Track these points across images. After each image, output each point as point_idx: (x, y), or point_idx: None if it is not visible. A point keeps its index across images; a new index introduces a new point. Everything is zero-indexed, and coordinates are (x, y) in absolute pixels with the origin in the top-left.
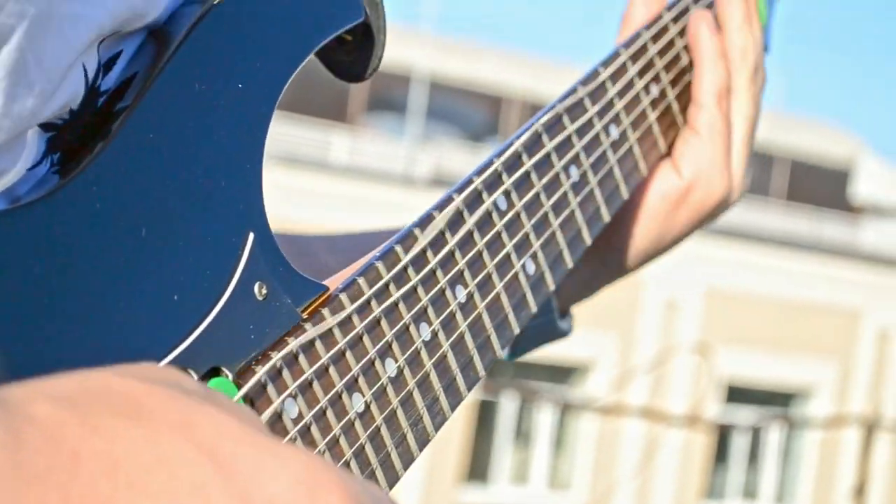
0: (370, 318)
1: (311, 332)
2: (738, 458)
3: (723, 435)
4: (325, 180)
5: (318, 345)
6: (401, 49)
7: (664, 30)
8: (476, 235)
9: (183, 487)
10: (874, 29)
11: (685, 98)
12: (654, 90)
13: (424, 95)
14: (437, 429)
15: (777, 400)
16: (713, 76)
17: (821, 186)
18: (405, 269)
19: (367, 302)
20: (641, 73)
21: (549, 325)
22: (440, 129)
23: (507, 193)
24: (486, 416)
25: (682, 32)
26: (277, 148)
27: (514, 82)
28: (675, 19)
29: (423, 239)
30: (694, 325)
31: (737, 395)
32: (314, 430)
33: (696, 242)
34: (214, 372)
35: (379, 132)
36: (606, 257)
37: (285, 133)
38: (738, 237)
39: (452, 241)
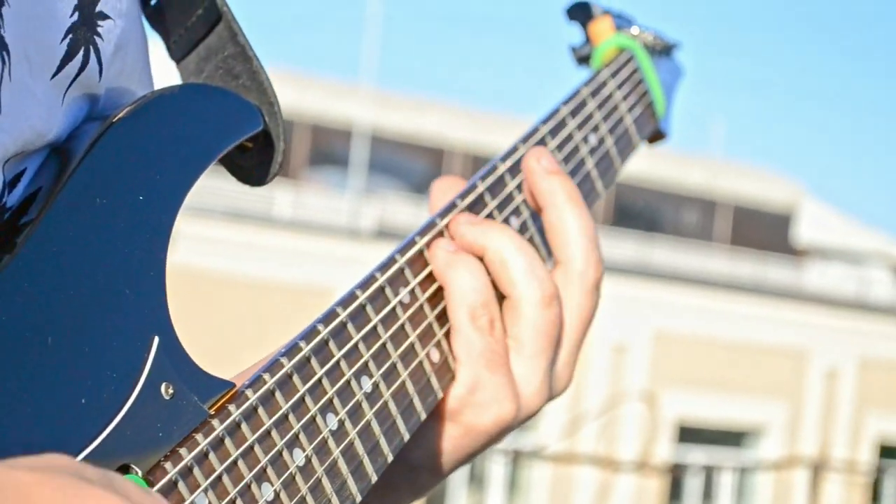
0: (278, 412)
1: (219, 428)
2: (693, 500)
3: (676, 477)
4: (268, 234)
5: (227, 441)
6: (342, 103)
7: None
8: (380, 328)
9: None
10: (812, 75)
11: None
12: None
13: (366, 149)
14: None
15: (729, 440)
16: (458, 292)
17: (764, 230)
18: (308, 360)
19: (273, 395)
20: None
21: None
22: (383, 182)
23: (411, 290)
24: None
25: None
26: (221, 203)
27: (455, 134)
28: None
29: (325, 331)
30: (643, 368)
31: (688, 435)
32: None
33: (643, 287)
34: (125, 469)
35: (322, 186)
36: (398, 473)
37: (228, 188)
38: (683, 281)
39: (356, 335)
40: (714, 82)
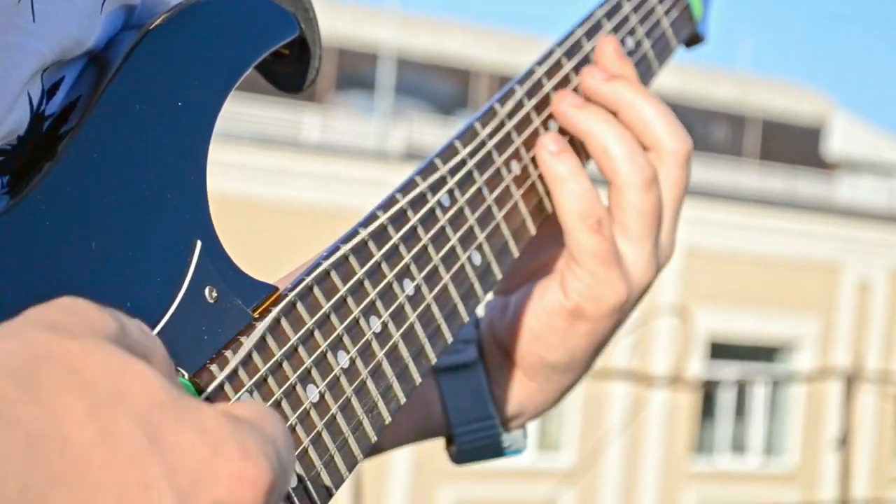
0: (319, 313)
1: (263, 329)
2: (725, 413)
3: (709, 391)
4: (297, 159)
5: (271, 342)
6: (367, 26)
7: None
8: (420, 230)
9: (121, 459)
10: None
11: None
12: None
13: (393, 71)
14: (392, 414)
15: (761, 355)
16: (565, 200)
17: (793, 145)
18: (349, 263)
19: (316, 298)
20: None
21: (491, 437)
22: (410, 104)
23: (450, 192)
24: None
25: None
26: (248, 129)
27: (482, 55)
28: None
29: (366, 234)
30: (674, 284)
31: (721, 351)
32: None
33: None
34: None
35: (349, 110)
36: (530, 373)
37: (255, 114)
38: (714, 196)
39: (396, 236)
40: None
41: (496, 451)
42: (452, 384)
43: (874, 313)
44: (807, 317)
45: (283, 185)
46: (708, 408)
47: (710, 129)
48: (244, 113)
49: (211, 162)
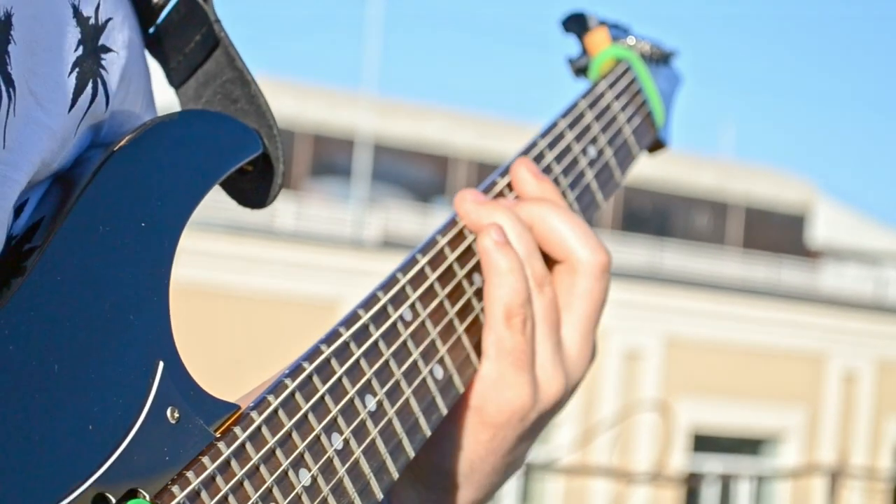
0: (281, 432)
1: (225, 451)
2: None
3: (692, 487)
4: (271, 247)
5: (233, 463)
6: (343, 111)
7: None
8: (381, 345)
9: None
10: (821, 74)
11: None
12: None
13: (369, 157)
14: None
15: (745, 447)
16: (498, 292)
17: (777, 232)
18: (311, 380)
19: (277, 415)
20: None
21: None
22: (387, 191)
23: (412, 305)
24: None
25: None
26: (223, 217)
27: (459, 141)
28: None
29: (328, 351)
30: (656, 375)
31: (704, 444)
32: None
33: (655, 293)
34: (132, 494)
35: (324, 197)
36: (425, 481)
37: (230, 202)
38: (696, 286)
39: (358, 352)
40: (723, 84)
41: None
42: None
43: (860, 405)
44: (792, 408)
45: (257, 274)
46: (691, 503)
47: (692, 217)
48: (218, 201)
49: (184, 250)
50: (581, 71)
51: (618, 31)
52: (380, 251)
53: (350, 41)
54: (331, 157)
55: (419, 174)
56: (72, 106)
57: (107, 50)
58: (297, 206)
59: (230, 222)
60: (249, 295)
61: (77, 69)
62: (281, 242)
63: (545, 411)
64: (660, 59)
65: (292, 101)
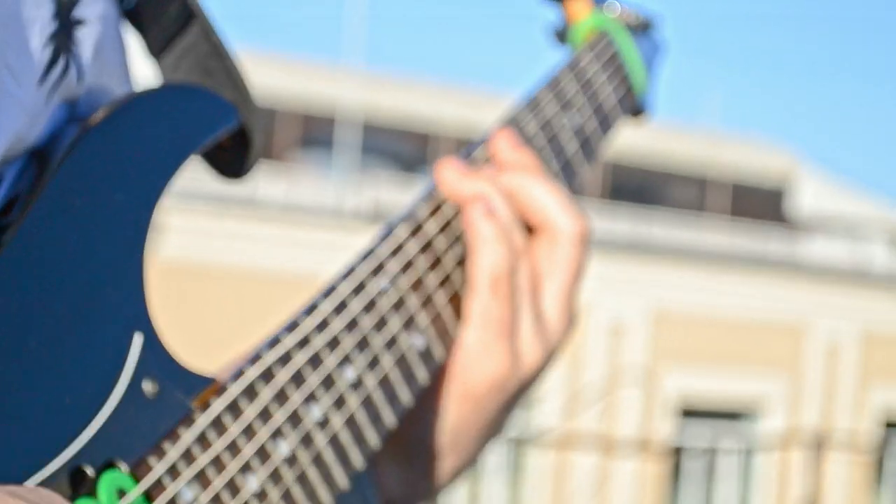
0: (260, 404)
1: (204, 423)
2: (694, 479)
3: (678, 457)
4: (256, 221)
5: (210, 434)
6: (328, 85)
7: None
8: (361, 316)
9: None
10: (806, 42)
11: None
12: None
13: (354, 131)
14: (335, 501)
15: (730, 417)
16: (486, 259)
17: (761, 202)
18: (290, 352)
19: (256, 388)
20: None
21: None
22: (372, 164)
23: (392, 277)
24: None
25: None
26: (207, 190)
27: (445, 114)
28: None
29: (308, 322)
30: (641, 346)
31: (689, 414)
32: None
33: (639, 264)
34: (110, 465)
35: (309, 170)
36: (411, 459)
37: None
38: (680, 256)
39: (338, 324)
40: (709, 53)
41: None
42: None
43: (843, 375)
44: (774, 378)
45: (241, 249)
46: (677, 472)
47: (675, 188)
48: (202, 175)
49: (168, 226)
50: (562, 39)
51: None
52: (365, 224)
53: (334, 14)
54: (316, 131)
55: (405, 147)
56: (43, 79)
57: (80, 22)
58: (282, 179)
59: (214, 195)
60: (233, 269)
61: (52, 42)
62: (265, 216)
63: (525, 381)
64: (642, 26)
65: (278, 75)
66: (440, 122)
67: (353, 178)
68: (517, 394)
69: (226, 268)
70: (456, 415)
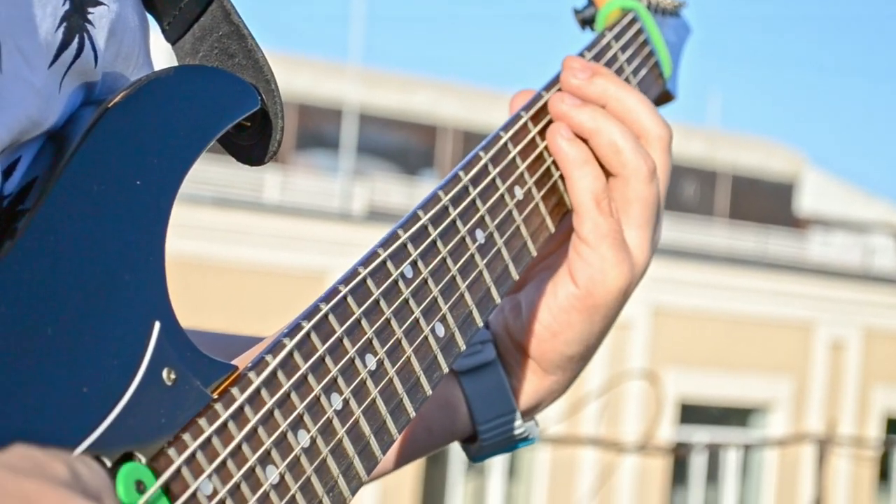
0: (279, 393)
1: (222, 412)
2: (697, 479)
3: (680, 456)
4: (258, 219)
5: (231, 424)
6: (329, 83)
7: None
8: (382, 303)
9: None
10: (809, 43)
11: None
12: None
13: (356, 129)
14: (353, 492)
15: (733, 417)
16: (583, 183)
17: (764, 202)
18: (311, 340)
19: (276, 377)
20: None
21: (512, 430)
22: (374, 163)
23: (413, 263)
24: None
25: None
26: (210, 190)
27: (447, 112)
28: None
29: (327, 308)
30: (643, 346)
31: (692, 414)
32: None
33: None
34: (128, 456)
35: (311, 169)
36: (549, 367)
37: (217, 175)
38: (684, 256)
39: (358, 311)
40: (710, 54)
41: (515, 442)
42: (475, 384)
43: (848, 374)
44: (779, 378)
45: (244, 246)
46: (680, 473)
47: (679, 187)
48: (204, 172)
49: (170, 223)
50: (587, 22)
51: None
52: (366, 222)
53: (336, 12)
54: (317, 129)
55: (407, 145)
56: (53, 61)
57: (96, 3)
58: (283, 177)
59: (217, 194)
60: (236, 267)
61: (64, 24)
62: (267, 214)
63: (638, 281)
64: (668, 9)
65: (278, 72)
66: (442, 120)
67: (354, 177)
68: (630, 294)
69: (228, 264)
70: (588, 325)
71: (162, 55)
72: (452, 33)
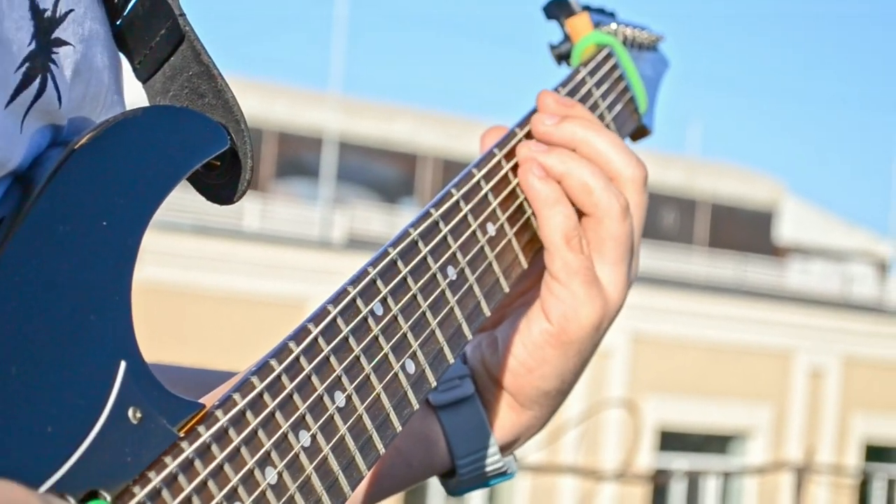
0: (247, 430)
1: (189, 450)
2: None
3: (659, 484)
4: (238, 247)
5: (197, 462)
6: (309, 111)
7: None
8: (352, 340)
9: None
10: (788, 72)
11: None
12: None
13: (335, 157)
14: None
15: (713, 444)
16: (553, 221)
17: (744, 230)
18: (279, 378)
19: (243, 414)
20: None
21: (490, 465)
22: (353, 191)
23: (383, 300)
24: None
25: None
26: (189, 218)
27: (427, 140)
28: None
29: (297, 349)
30: (623, 373)
31: (671, 441)
32: None
33: None
34: (93, 494)
35: (291, 197)
36: (526, 402)
37: (196, 202)
38: (663, 283)
39: (327, 348)
40: (690, 82)
41: (493, 477)
42: (453, 419)
43: (827, 402)
44: (759, 405)
45: (223, 274)
46: (659, 501)
47: (659, 215)
48: (184, 200)
49: (149, 250)
50: (563, 57)
51: (601, 17)
52: (346, 250)
53: (317, 41)
54: (298, 157)
55: (387, 173)
56: (10, 101)
57: (61, 43)
58: (263, 205)
59: (196, 222)
60: (216, 295)
61: (27, 64)
62: (247, 242)
63: (614, 315)
64: (645, 44)
65: (258, 101)
66: (422, 149)
67: (334, 205)
68: (606, 331)
69: (208, 292)
70: (563, 361)
71: (137, 93)
72: (432, 63)
